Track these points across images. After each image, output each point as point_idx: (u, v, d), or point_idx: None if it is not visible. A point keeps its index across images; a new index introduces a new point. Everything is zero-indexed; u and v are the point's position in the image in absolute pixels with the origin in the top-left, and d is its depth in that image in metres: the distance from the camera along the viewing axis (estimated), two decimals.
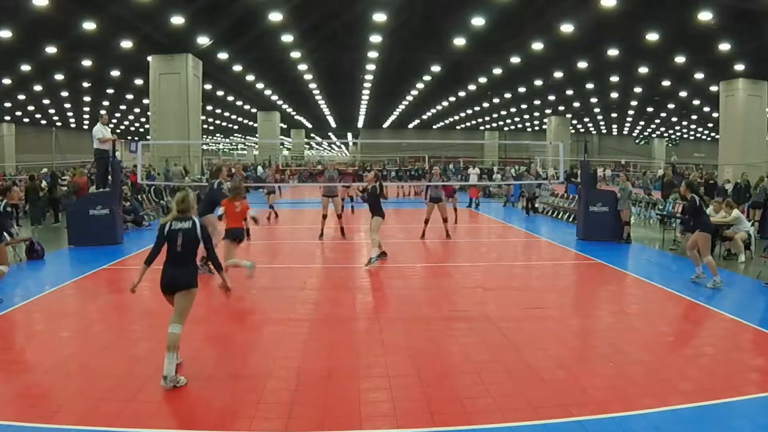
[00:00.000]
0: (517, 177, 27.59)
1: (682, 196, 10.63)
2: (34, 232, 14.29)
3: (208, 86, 29.34)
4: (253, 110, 44.48)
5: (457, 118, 51.95)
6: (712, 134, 52.14)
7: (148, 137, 31.09)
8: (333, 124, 57.51)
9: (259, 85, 33.16)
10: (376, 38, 21.43)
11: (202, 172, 26.13)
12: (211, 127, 55.80)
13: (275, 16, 18.04)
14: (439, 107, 44.60)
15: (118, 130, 48.66)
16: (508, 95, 37.13)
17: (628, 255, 11.75)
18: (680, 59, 23.27)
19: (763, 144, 26.53)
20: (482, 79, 30.91)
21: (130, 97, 35.96)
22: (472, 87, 33.77)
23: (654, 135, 61.91)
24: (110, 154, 13.04)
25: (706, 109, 38.91)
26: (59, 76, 28.11)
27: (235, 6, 17.46)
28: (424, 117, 51.08)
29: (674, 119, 49.66)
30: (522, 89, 34.47)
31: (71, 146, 42.10)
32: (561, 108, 42.57)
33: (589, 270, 10.31)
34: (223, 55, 24.05)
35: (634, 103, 39.64)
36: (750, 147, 25.62)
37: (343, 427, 4.14)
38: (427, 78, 30.68)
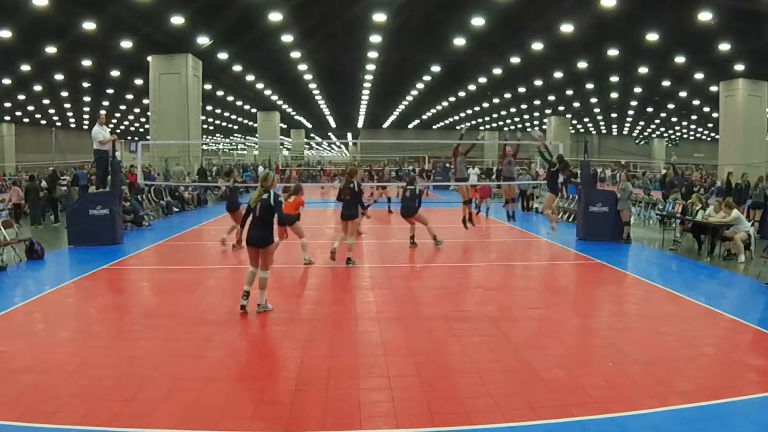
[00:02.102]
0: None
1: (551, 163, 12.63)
2: (34, 232, 14.30)
3: (208, 86, 29.36)
4: (253, 110, 44.50)
5: (456, 118, 51.96)
6: (712, 134, 52.16)
7: (148, 137, 31.10)
8: (333, 124, 57.53)
9: (259, 85, 33.17)
10: (376, 38, 21.44)
11: (198, 173, 26.13)
12: (211, 127, 55.81)
13: (275, 16, 18.05)
14: (439, 107, 44.62)
15: (118, 130, 48.65)
16: (508, 95, 37.14)
17: (627, 255, 11.75)
18: (680, 59, 23.29)
19: (763, 144, 26.55)
20: (482, 79, 30.93)
21: (130, 97, 35.98)
22: (472, 87, 33.78)
23: (654, 135, 61.94)
24: (110, 154, 13.04)
25: (706, 109, 38.93)
26: (59, 76, 28.13)
27: (235, 6, 17.48)
28: (424, 117, 51.10)
29: (674, 119, 49.69)
30: (522, 89, 34.48)
31: (71, 146, 42.14)
32: (561, 108, 42.59)
33: (589, 270, 10.31)
34: (223, 55, 24.07)
35: (634, 103, 39.67)
36: (750, 147, 25.64)
37: (343, 427, 4.14)
38: (427, 78, 30.69)
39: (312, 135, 64.66)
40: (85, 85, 31.67)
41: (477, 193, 18.33)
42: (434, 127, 58.52)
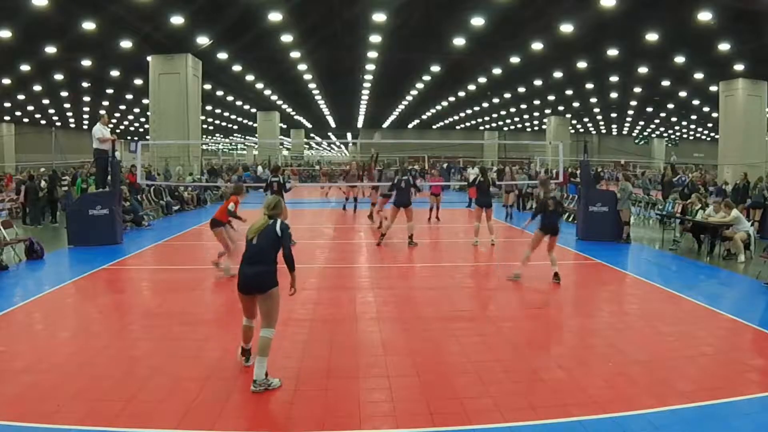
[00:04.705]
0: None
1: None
2: (33, 232, 14.29)
3: (207, 86, 29.35)
4: (253, 110, 44.48)
5: (456, 118, 51.96)
6: (712, 134, 52.17)
7: (148, 137, 31.07)
8: (333, 124, 57.53)
9: (259, 85, 33.16)
10: (375, 38, 21.43)
11: (202, 173, 26.15)
12: (211, 127, 55.80)
13: (275, 16, 18.04)
14: (438, 107, 44.61)
15: (117, 130, 48.64)
16: (507, 95, 37.14)
17: (627, 255, 11.75)
18: (680, 59, 23.28)
19: (763, 144, 26.53)
20: (482, 79, 30.92)
21: (129, 97, 35.96)
22: (471, 87, 33.78)
23: (654, 135, 61.93)
24: (110, 154, 13.04)
25: (706, 109, 38.93)
26: (59, 76, 28.11)
27: (235, 6, 17.46)
28: (424, 117, 51.10)
29: (674, 119, 49.69)
30: (522, 89, 34.47)
31: (71, 146, 42.10)
32: (561, 108, 42.58)
33: (588, 270, 10.31)
34: (222, 55, 24.06)
35: (633, 103, 39.65)
36: (750, 147, 25.62)
37: (343, 427, 4.14)
38: (426, 78, 30.68)
39: (312, 135, 64.65)
40: (85, 85, 31.64)
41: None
42: (434, 127, 58.52)
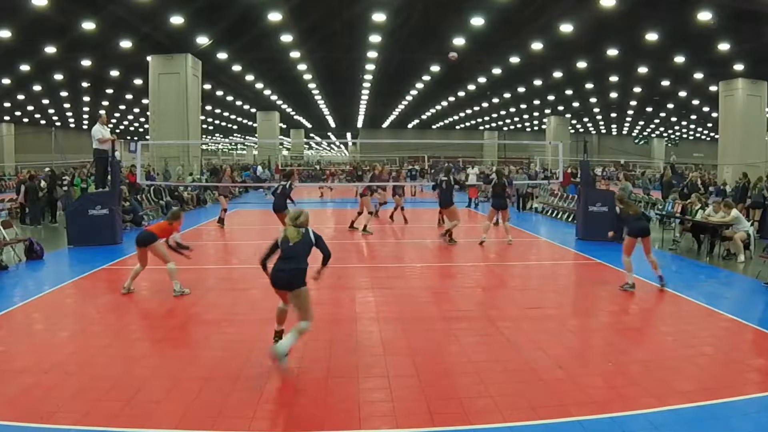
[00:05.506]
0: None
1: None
2: (33, 232, 14.29)
3: (207, 86, 29.36)
4: (253, 110, 44.50)
5: (456, 118, 51.97)
6: (712, 134, 52.20)
7: (148, 137, 31.07)
8: (332, 124, 57.53)
9: (259, 85, 33.17)
10: (375, 38, 21.45)
11: (201, 172, 26.15)
12: (211, 127, 55.80)
13: (275, 16, 18.06)
14: (438, 107, 44.63)
15: (117, 130, 48.65)
16: (507, 95, 37.15)
17: None
18: (680, 59, 23.30)
19: (763, 144, 26.56)
20: (482, 79, 30.94)
21: (129, 97, 35.98)
22: (471, 87, 33.79)
23: (653, 135, 61.96)
24: (109, 154, 13.04)
25: (706, 108, 38.96)
26: (59, 76, 28.12)
27: (235, 6, 17.47)
28: (424, 117, 51.11)
29: (674, 119, 49.72)
30: (521, 89, 34.49)
31: (71, 146, 42.11)
32: (560, 108, 42.62)
33: (588, 270, 10.30)
34: (222, 55, 24.07)
35: (633, 102, 39.67)
36: (749, 147, 25.65)
37: (343, 427, 4.14)
38: (426, 78, 30.70)
39: (311, 135, 64.68)
40: (85, 85, 31.67)
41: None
42: (433, 127, 58.53)
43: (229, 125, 57.10)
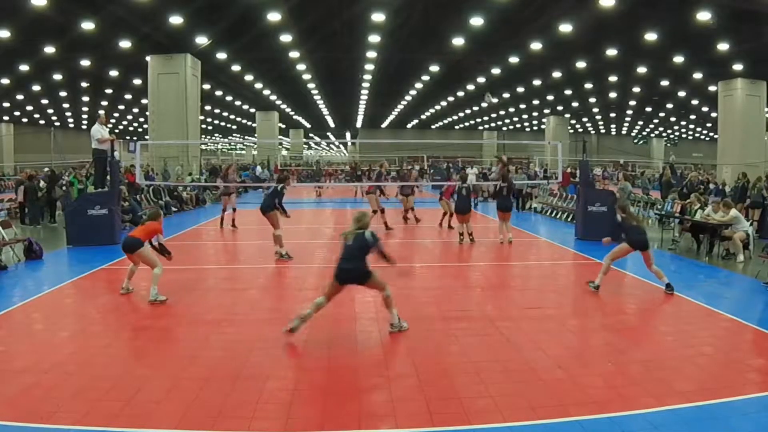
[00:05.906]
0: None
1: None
2: (32, 232, 14.28)
3: (206, 86, 29.35)
4: (252, 110, 44.49)
5: (455, 117, 51.97)
6: (711, 134, 52.23)
7: (147, 137, 31.06)
8: (332, 124, 57.53)
9: (258, 85, 33.17)
10: (375, 38, 21.45)
11: (201, 172, 26.16)
12: (210, 127, 55.77)
13: (274, 16, 18.06)
14: (437, 107, 44.62)
15: (116, 130, 48.62)
16: (506, 95, 37.17)
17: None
18: (679, 59, 23.32)
19: (762, 144, 26.59)
20: (481, 79, 30.94)
21: (128, 97, 35.97)
22: (470, 87, 33.80)
23: (653, 135, 61.97)
24: (109, 154, 13.03)
25: (705, 108, 38.98)
26: (58, 76, 28.11)
27: (234, 6, 17.47)
28: (423, 117, 51.11)
29: (673, 119, 49.75)
30: (521, 89, 34.50)
31: (70, 146, 42.07)
32: (560, 108, 42.63)
33: (588, 270, 10.29)
34: (221, 55, 24.07)
35: (632, 102, 39.69)
36: (748, 147, 25.66)
37: (342, 427, 4.14)
38: (425, 78, 30.70)
39: (311, 135, 64.68)
40: (84, 85, 31.66)
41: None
42: (433, 126, 58.53)
43: (229, 125, 57.08)
